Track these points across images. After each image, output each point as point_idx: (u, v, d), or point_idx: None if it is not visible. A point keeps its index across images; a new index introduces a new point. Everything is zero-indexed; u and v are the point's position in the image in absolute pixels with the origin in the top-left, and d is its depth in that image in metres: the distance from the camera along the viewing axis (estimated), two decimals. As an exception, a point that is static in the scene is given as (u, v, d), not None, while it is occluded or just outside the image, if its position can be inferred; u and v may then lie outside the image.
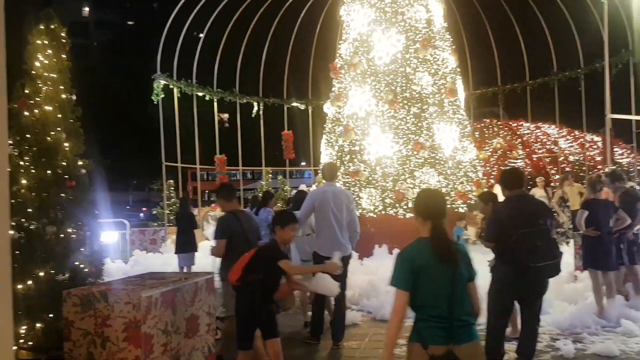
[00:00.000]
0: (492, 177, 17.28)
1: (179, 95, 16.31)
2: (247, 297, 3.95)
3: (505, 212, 4.54)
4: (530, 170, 17.42)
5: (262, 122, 18.67)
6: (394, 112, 12.22)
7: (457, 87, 12.90)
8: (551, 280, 7.62)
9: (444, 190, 11.93)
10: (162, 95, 15.70)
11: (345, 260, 5.75)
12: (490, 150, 18.63)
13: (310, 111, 19.64)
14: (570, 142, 18.63)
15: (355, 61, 12.66)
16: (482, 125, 19.27)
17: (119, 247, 13.60)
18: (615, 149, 15.38)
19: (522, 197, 4.65)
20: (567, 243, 10.04)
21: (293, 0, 18.11)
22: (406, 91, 12.32)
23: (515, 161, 17.90)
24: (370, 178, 12.17)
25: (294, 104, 19.59)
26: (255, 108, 18.54)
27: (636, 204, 6.59)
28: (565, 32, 16.27)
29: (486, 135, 19.16)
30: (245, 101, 18.40)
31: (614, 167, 7.85)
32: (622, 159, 16.40)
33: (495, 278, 4.66)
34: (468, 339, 2.72)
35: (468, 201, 12.19)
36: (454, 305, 2.71)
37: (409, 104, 12.28)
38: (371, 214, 11.88)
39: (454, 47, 13.33)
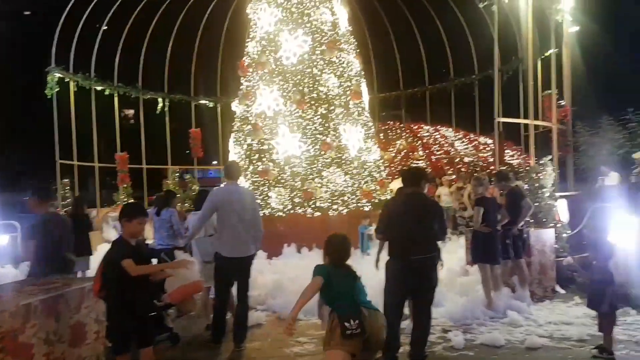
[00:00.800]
0: (397, 176, 18.10)
1: (75, 89, 15.39)
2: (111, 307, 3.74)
3: (394, 208, 4.73)
4: (430, 170, 18.21)
5: (167, 119, 18.07)
6: (302, 112, 12.35)
7: (362, 89, 13.28)
8: (445, 274, 8.11)
9: (349, 189, 12.28)
10: (57, 89, 14.74)
11: (248, 260, 5.71)
12: (395, 151, 19.40)
13: (219, 109, 19.30)
14: (465, 144, 19.73)
15: (263, 60, 12.62)
16: (386, 127, 19.91)
17: (9, 251, 12.54)
18: (506, 151, 16.55)
19: (414, 195, 4.85)
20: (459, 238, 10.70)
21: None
22: (313, 92, 12.49)
23: (418, 162, 18.74)
24: (279, 177, 12.20)
25: (202, 101, 19.15)
26: (160, 104, 17.91)
27: (520, 201, 7.12)
28: (463, 40, 17.22)
29: (390, 137, 19.84)
30: (149, 97, 17.71)
31: (502, 168, 8.39)
32: (512, 160, 17.66)
33: (387, 273, 4.85)
34: None
35: (372, 200, 12.56)
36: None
37: (317, 104, 12.46)
38: (280, 214, 11.90)
39: (358, 50, 13.68)
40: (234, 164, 6.42)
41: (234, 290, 5.75)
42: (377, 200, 12.71)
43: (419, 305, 4.93)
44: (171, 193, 8.75)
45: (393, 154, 19.48)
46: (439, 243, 4.97)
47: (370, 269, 5.62)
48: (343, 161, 12.48)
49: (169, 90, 18.25)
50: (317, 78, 12.57)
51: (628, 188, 9.99)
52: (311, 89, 12.49)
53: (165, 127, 18.07)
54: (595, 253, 4.88)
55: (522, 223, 7.22)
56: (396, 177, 16.79)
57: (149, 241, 7.88)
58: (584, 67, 13.32)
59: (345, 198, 12.10)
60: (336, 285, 3.63)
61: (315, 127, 12.40)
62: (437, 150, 19.38)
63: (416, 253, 4.59)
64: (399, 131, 19.94)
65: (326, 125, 12.46)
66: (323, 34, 12.69)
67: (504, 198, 7.31)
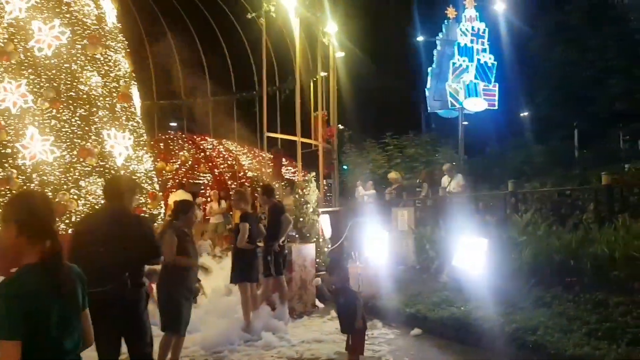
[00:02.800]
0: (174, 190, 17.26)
1: None
2: None
3: (78, 227, 3.96)
4: (212, 184, 17.77)
5: None
6: (57, 112, 10.76)
7: (132, 92, 12.21)
8: (208, 295, 7.60)
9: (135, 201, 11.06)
10: None
11: None
12: (179, 163, 18.49)
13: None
14: (250, 159, 19.75)
15: (10, 49, 10.69)
16: (167, 137, 18.91)
17: None
18: (289, 167, 16.97)
19: (106, 211, 4.05)
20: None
21: None
22: (72, 90, 10.99)
23: (204, 175, 18.13)
24: (24, 187, 10.38)
25: None
26: None
27: (280, 216, 6.99)
28: (245, 54, 17.23)
29: (171, 147, 18.89)
30: None
31: (268, 182, 8.29)
32: (293, 176, 18.21)
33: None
34: None
35: (142, 214, 11.53)
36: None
37: (75, 104, 10.98)
38: (24, 230, 10.08)
39: (128, 50, 12.57)
40: None
41: None
42: (147, 215, 11.73)
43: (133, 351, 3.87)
44: None
45: (177, 166, 18.56)
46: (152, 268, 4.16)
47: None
48: (106, 170, 11.19)
49: None
50: (77, 75, 11.10)
51: (382, 204, 10.84)
52: (69, 86, 10.96)
53: None
54: (334, 277, 4.83)
55: (283, 239, 7.11)
56: (173, 190, 15.94)
57: None
58: (353, 92, 14.30)
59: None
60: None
61: (72, 130, 10.89)
62: (221, 164, 19.03)
63: (96, 284, 3.69)
64: (180, 142, 19.09)
65: (86, 128, 11.04)
66: (85, 27, 11.31)
67: (268, 212, 7.13)
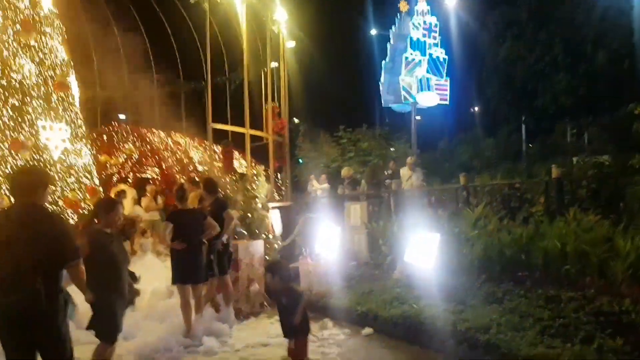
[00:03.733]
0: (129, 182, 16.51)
1: None
2: None
3: None
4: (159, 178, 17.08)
5: None
6: (-15, 103, 9.97)
7: (70, 81, 11.48)
8: (146, 296, 7.13)
9: (49, 198, 10.38)
10: None
11: None
12: (125, 156, 17.69)
13: None
14: (201, 153, 19.09)
15: None
16: (111, 129, 18.02)
17: None
18: (242, 161, 16.48)
19: (18, 208, 3.46)
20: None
21: None
22: (2, 79, 10.20)
23: (152, 168, 17.39)
24: (-52, 182, 9.58)
25: None
26: None
27: (222, 212, 6.58)
28: (193, 43, 16.58)
29: (115, 140, 18.01)
30: None
31: (211, 177, 7.86)
32: (243, 170, 17.70)
33: None
34: None
35: (79, 210, 10.87)
36: None
37: (7, 93, 10.21)
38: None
39: (65, 37, 11.81)
40: None
41: None
42: (85, 212, 11.07)
43: None
44: None
45: (122, 159, 17.73)
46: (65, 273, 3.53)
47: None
48: (41, 164, 10.47)
49: None
50: (9, 62, 10.32)
51: (334, 198, 10.59)
52: (0, 75, 10.17)
53: None
54: (275, 277, 4.48)
55: (226, 236, 6.70)
56: (116, 185, 15.20)
57: None
58: (305, 83, 13.97)
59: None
60: None
61: (4, 122, 10.14)
62: (169, 157, 18.30)
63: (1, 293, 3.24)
64: (125, 134, 18.22)
65: (19, 120, 10.31)
66: (18, 11, 10.51)
67: (210, 208, 6.70)
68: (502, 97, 23.10)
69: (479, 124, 26.12)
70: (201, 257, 6.22)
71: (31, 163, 10.26)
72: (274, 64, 12.06)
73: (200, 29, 16.06)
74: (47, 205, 3.72)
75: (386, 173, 10.62)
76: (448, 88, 20.07)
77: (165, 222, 6.12)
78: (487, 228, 7.34)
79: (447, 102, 19.88)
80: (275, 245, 8.48)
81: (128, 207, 12.99)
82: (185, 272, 6.13)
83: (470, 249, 7.16)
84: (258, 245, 7.70)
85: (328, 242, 8.54)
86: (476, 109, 29.69)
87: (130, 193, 13.28)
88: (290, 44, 11.46)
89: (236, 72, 15.52)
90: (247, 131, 9.35)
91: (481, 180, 9.82)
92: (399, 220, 8.78)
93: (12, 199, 3.75)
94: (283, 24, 10.51)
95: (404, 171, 10.67)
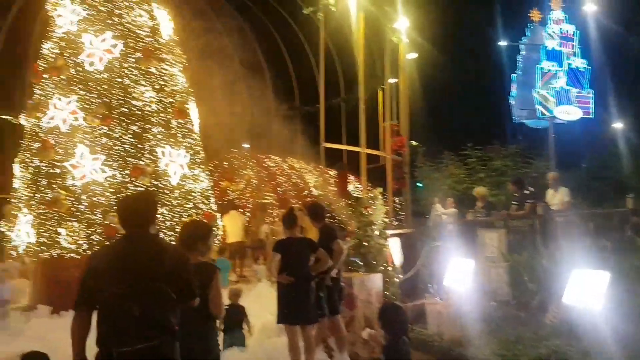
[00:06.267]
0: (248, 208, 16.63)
1: None
2: None
3: (97, 262, 2.91)
4: (276, 203, 17.04)
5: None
6: (108, 130, 10.17)
7: (189, 108, 11.50)
8: (256, 334, 6.39)
9: (167, 224, 10.31)
10: None
11: None
12: (243, 182, 17.92)
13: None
14: (316, 177, 18.76)
15: (60, 64, 10.27)
16: (231, 155, 18.35)
17: None
18: (357, 185, 15.79)
19: (130, 240, 3.03)
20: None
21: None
22: (124, 106, 10.37)
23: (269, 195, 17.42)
24: (73, 209, 9.80)
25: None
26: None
27: (332, 242, 5.62)
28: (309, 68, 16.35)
29: (235, 166, 18.38)
30: None
31: (315, 200, 7.05)
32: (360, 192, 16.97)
33: None
34: None
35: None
36: None
37: (128, 121, 10.35)
38: (73, 255, 9.48)
39: (186, 64, 11.90)
40: None
41: None
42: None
43: None
44: None
45: (243, 185, 17.98)
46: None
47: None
48: (160, 190, 10.44)
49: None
50: (130, 90, 10.48)
51: (464, 225, 9.25)
52: (121, 102, 10.35)
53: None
54: (385, 328, 3.47)
55: (336, 270, 5.74)
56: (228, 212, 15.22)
57: None
58: (426, 98, 12.90)
59: (161, 235, 10.01)
60: None
61: (124, 148, 10.26)
62: (284, 182, 18.20)
63: (125, 342, 2.73)
64: (244, 160, 18.48)
65: (140, 146, 10.38)
66: (139, 39, 10.70)
67: (317, 236, 5.81)
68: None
69: (630, 139, 23.02)
70: (311, 294, 5.33)
71: (150, 189, 10.30)
72: (392, 80, 11.17)
73: (315, 48, 15.81)
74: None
75: (527, 192, 9.07)
76: (591, 100, 18.26)
77: (273, 252, 5.33)
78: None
79: (591, 116, 17.94)
80: (396, 279, 7.35)
81: (238, 232, 12.83)
82: (293, 311, 5.27)
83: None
84: (375, 279, 6.65)
85: (459, 277, 7.30)
86: (620, 124, 26.33)
87: (240, 219, 13.14)
88: (411, 55, 10.46)
89: (352, 92, 14.91)
90: (363, 150, 8.44)
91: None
92: (549, 251, 7.28)
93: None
94: (403, 33, 9.55)
95: (549, 191, 9.08)
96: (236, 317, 5.85)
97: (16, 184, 10.70)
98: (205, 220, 4.88)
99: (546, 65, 18.49)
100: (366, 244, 7.02)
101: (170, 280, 2.87)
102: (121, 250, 2.97)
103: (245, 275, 12.89)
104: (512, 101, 18.11)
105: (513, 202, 8.96)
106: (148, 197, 3.50)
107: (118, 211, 3.14)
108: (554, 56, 19.07)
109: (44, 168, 10.06)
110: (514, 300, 7.41)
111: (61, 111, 10.10)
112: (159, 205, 3.27)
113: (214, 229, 11.09)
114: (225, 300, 5.97)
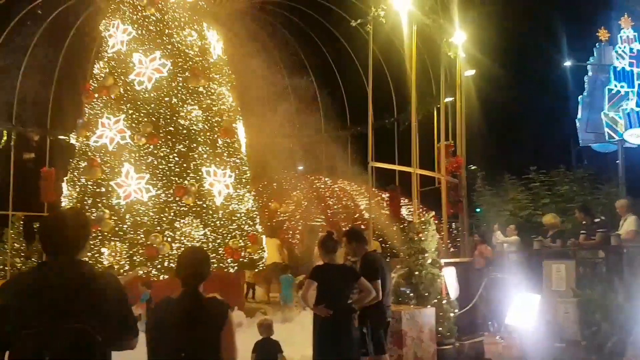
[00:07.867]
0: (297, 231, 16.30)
1: None
2: None
3: (7, 297, 2.36)
4: (324, 225, 16.53)
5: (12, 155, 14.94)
6: (154, 149, 10.10)
7: (236, 127, 11.32)
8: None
9: (210, 246, 10.02)
10: None
11: None
12: (293, 203, 17.63)
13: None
14: (367, 199, 18.21)
15: (109, 83, 10.32)
16: (280, 176, 18.10)
17: None
18: (407, 206, 15.14)
19: (53, 267, 2.48)
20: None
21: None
22: (171, 125, 10.30)
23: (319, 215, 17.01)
24: (116, 228, 9.71)
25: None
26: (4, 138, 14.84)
27: (377, 273, 5.02)
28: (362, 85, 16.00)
29: (284, 188, 18.07)
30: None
31: (355, 225, 6.50)
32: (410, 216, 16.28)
33: None
34: None
35: (240, 259, 10.36)
36: None
37: (174, 140, 10.27)
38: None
39: (234, 83, 11.76)
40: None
41: None
42: (245, 260, 10.51)
43: None
44: None
45: (292, 206, 17.67)
46: None
47: None
48: (204, 210, 10.23)
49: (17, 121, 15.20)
50: (177, 109, 10.43)
51: (529, 255, 8.42)
52: (168, 121, 10.31)
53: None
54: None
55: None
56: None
57: None
58: (484, 118, 12.17)
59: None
60: None
61: (170, 167, 10.17)
62: (335, 204, 17.72)
63: None
64: (293, 181, 18.16)
65: (185, 165, 10.28)
66: (188, 58, 10.66)
67: (359, 265, 5.23)
68: None
69: None
70: (352, 329, 4.75)
71: (194, 209, 10.08)
72: (448, 99, 10.56)
73: (366, 67, 15.43)
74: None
75: (597, 220, 8.19)
76: (666, 123, 16.89)
77: (308, 280, 4.80)
78: None
79: (666, 139, 16.58)
80: (451, 314, 6.64)
81: (274, 255, 12.47)
82: (331, 348, 4.69)
83: None
84: (428, 314, 5.99)
85: (522, 313, 6.55)
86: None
87: (274, 243, 12.76)
88: (469, 72, 9.85)
89: (405, 112, 14.38)
90: (415, 170, 7.83)
91: None
92: (625, 287, 6.41)
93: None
94: (461, 47, 8.97)
95: (623, 221, 8.14)
96: (270, 355, 5.26)
97: (64, 202, 10.79)
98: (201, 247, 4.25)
99: (615, 86, 17.40)
100: (417, 273, 6.37)
101: (96, 318, 2.34)
102: (37, 282, 2.41)
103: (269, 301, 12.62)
104: (578, 124, 17.03)
105: (582, 232, 8.10)
106: (78, 215, 2.78)
107: (39, 233, 2.61)
108: (624, 76, 17.95)
109: (90, 187, 10.07)
110: (585, 341, 6.54)
111: (109, 130, 10.14)
112: (92, 227, 2.72)
113: (255, 252, 10.83)
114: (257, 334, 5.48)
